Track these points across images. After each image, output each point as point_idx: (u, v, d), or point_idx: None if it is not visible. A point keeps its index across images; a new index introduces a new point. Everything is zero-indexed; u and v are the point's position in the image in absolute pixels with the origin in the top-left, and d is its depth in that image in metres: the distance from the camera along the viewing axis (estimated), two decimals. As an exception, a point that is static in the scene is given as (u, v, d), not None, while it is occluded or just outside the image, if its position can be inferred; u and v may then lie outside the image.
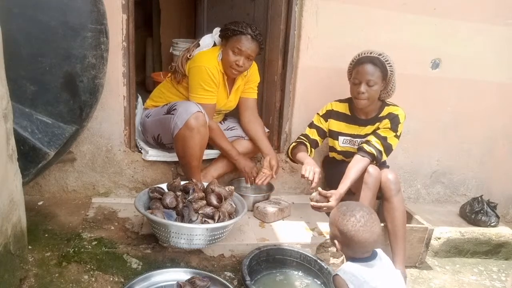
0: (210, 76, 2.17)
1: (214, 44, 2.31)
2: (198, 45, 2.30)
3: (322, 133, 2.27)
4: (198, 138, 2.08)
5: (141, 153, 2.34)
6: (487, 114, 2.77)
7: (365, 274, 1.40)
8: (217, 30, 2.30)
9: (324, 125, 2.26)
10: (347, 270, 1.42)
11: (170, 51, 3.88)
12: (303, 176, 2.00)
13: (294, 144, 2.24)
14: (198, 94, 2.20)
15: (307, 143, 2.23)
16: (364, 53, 2.07)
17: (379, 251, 1.49)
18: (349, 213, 1.43)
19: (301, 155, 2.14)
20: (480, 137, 2.82)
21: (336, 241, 1.46)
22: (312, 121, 2.30)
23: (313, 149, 2.25)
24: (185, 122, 2.05)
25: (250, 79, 2.41)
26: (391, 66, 2.03)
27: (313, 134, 2.26)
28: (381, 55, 2.03)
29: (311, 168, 2.00)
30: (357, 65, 2.06)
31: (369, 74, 2.00)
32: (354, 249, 1.43)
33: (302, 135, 2.29)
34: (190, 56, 2.26)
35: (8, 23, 1.49)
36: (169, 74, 2.41)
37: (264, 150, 2.38)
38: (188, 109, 2.08)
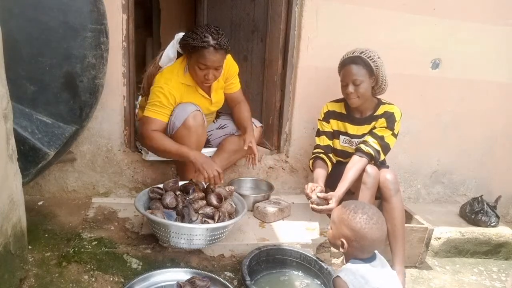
0: (168, 97, 2.06)
1: (180, 54, 2.17)
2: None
3: (331, 136, 2.26)
4: (195, 137, 2.08)
5: (141, 153, 2.34)
6: (487, 114, 2.77)
7: (367, 274, 1.38)
8: (178, 38, 2.13)
9: (328, 128, 2.26)
10: (349, 271, 1.39)
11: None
12: (307, 195, 1.98)
13: (312, 160, 2.25)
14: (151, 108, 2.06)
15: (323, 155, 2.21)
16: (348, 54, 2.08)
17: (376, 251, 1.47)
18: (360, 210, 1.40)
19: (317, 174, 2.13)
20: (480, 137, 2.82)
21: (343, 240, 1.42)
22: (318, 129, 2.29)
23: (331, 156, 2.24)
24: (184, 121, 2.05)
25: (229, 75, 2.29)
26: (374, 61, 2.02)
27: (324, 141, 2.25)
28: (363, 52, 2.03)
29: (311, 185, 2.00)
30: (342, 67, 2.08)
31: (353, 74, 2.02)
32: (363, 247, 1.40)
33: (316, 146, 2.27)
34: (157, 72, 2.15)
35: (8, 23, 1.49)
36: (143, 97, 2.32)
37: (242, 130, 2.34)
38: (186, 108, 2.08)
